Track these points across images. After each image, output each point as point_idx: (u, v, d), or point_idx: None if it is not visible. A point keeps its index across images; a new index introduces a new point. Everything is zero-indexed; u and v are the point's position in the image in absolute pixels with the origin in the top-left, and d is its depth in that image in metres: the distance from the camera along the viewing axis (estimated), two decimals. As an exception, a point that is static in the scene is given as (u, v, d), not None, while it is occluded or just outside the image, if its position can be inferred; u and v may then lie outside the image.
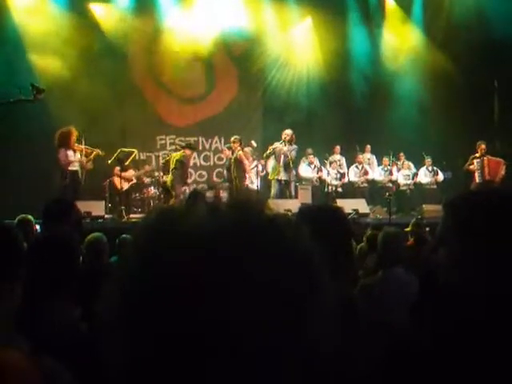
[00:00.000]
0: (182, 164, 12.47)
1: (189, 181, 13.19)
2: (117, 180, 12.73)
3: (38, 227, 5.76)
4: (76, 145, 11.08)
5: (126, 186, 13.05)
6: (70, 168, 10.94)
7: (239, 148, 12.49)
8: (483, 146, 13.17)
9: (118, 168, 12.80)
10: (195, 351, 0.65)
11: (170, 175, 12.44)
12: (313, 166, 14.08)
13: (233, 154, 12.83)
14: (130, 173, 13.15)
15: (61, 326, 2.19)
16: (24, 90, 9.23)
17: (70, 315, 2.30)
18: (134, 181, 13.30)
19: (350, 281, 2.27)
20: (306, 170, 14.07)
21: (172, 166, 12.48)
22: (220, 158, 15.65)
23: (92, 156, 11.31)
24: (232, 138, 12.69)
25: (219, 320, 0.65)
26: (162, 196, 13.90)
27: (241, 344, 0.65)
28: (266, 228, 0.71)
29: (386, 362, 1.40)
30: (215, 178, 15.60)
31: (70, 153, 10.90)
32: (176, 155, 12.66)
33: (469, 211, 1.45)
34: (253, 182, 12.92)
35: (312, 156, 14.08)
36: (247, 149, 12.85)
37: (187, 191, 13.33)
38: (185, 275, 0.66)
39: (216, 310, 0.65)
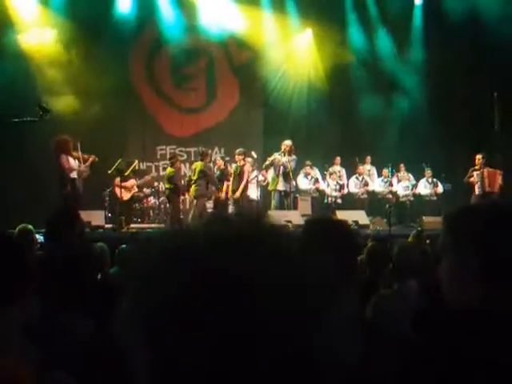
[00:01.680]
0: (206, 173, 12.33)
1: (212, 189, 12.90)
2: (118, 191, 12.57)
3: (37, 236, 5.72)
4: (73, 152, 11.01)
5: (127, 195, 12.84)
6: (70, 175, 10.80)
7: (243, 161, 12.48)
8: (482, 159, 13.17)
9: (117, 179, 12.57)
10: (210, 361, 0.66)
11: (193, 186, 12.30)
12: (309, 178, 14.05)
13: (225, 164, 12.98)
14: (132, 182, 13.03)
15: (73, 337, 2.19)
16: (25, 101, 9.18)
17: (82, 327, 2.30)
18: (136, 189, 13.16)
19: (355, 293, 2.29)
20: (303, 182, 14.01)
21: (195, 176, 12.31)
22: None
23: (88, 162, 11.21)
24: (237, 151, 12.66)
25: (224, 332, 0.66)
26: (163, 206, 13.87)
27: (248, 350, 0.66)
28: (265, 240, 0.72)
29: (394, 371, 1.41)
30: (214, 189, 15.57)
31: (71, 159, 10.82)
32: (197, 165, 12.46)
33: (467, 227, 1.46)
34: (253, 194, 12.90)
35: (309, 167, 14.00)
36: (248, 159, 12.84)
37: (209, 203, 13.15)
38: (186, 290, 0.68)
39: (220, 323, 0.66)
